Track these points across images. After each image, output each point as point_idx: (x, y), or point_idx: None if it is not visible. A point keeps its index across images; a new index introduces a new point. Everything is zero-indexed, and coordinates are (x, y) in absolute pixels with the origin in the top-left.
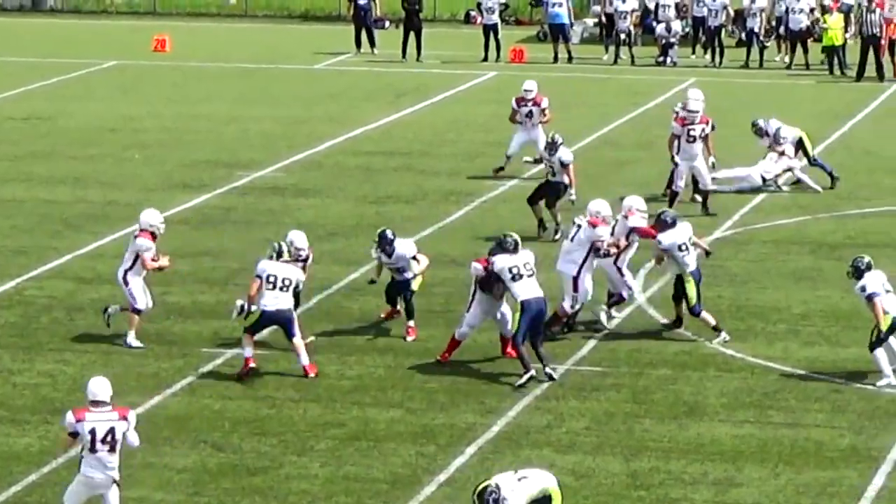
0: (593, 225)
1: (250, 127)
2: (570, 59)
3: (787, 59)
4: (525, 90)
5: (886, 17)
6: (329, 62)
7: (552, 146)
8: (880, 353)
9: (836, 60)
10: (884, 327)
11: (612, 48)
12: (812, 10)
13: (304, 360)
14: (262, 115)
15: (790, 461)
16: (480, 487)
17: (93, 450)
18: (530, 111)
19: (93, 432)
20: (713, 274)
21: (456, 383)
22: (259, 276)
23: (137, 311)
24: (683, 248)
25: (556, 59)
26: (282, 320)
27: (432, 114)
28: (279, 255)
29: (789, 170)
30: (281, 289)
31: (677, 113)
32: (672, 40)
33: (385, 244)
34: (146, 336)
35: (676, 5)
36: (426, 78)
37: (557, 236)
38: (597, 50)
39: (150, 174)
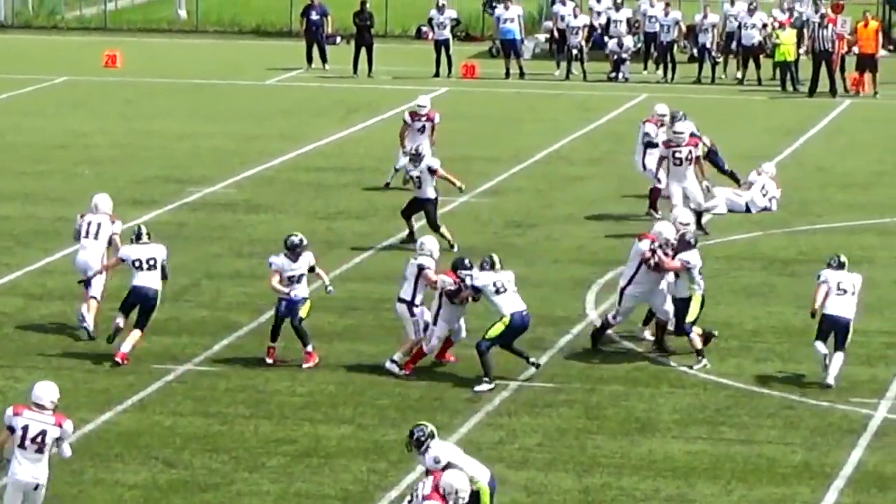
0: (639, 238)
1: (202, 143)
2: (521, 74)
3: (739, 75)
4: (419, 105)
5: (838, 32)
6: (280, 78)
7: (416, 157)
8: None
9: (788, 76)
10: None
11: (563, 64)
12: (765, 26)
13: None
14: (214, 130)
15: (743, 477)
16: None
17: (21, 445)
18: (423, 126)
19: (25, 429)
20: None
21: (407, 400)
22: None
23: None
24: (702, 269)
25: (507, 74)
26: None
27: (384, 130)
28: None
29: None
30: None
31: (648, 134)
32: (624, 56)
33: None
34: (97, 354)
35: (628, 21)
36: (378, 94)
37: (455, 249)
38: (548, 66)
39: (101, 190)
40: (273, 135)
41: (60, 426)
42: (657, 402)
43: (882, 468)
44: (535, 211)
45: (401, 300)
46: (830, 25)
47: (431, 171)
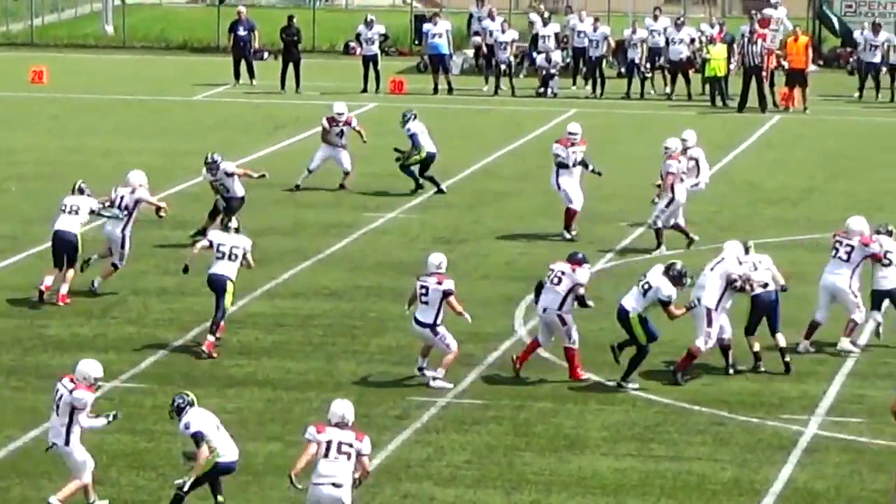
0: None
1: (129, 159)
2: (450, 90)
3: (667, 90)
4: (337, 113)
5: (768, 47)
6: (208, 94)
7: (213, 166)
8: None
9: (718, 91)
10: None
11: (492, 79)
12: (693, 41)
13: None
14: (141, 146)
15: (672, 494)
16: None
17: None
18: (341, 130)
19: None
20: (594, 307)
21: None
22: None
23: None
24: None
25: (436, 90)
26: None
27: (312, 145)
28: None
29: None
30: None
31: (557, 155)
32: (552, 71)
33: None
34: (24, 370)
35: (556, 36)
36: (305, 109)
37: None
38: (477, 81)
39: (29, 207)
40: (200, 151)
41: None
42: (586, 418)
43: (812, 485)
44: (464, 227)
45: (422, 324)
46: (760, 41)
47: (229, 175)
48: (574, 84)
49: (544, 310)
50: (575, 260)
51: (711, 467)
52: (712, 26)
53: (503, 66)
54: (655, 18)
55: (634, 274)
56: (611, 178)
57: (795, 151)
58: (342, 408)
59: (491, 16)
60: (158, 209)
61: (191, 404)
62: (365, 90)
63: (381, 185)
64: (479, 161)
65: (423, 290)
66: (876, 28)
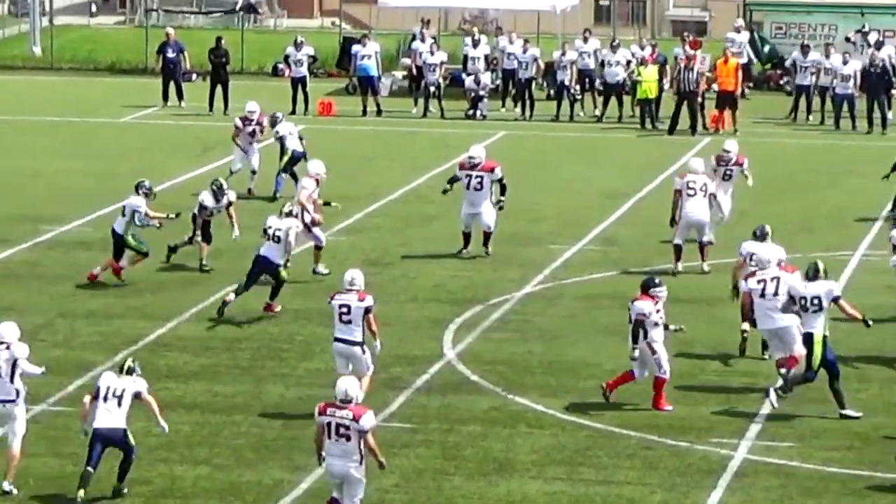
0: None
1: (57, 181)
2: (378, 112)
3: (597, 112)
4: (249, 111)
5: (700, 70)
6: (136, 115)
7: (219, 193)
8: None
9: (648, 113)
10: None
11: (421, 101)
12: (629, 63)
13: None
14: (69, 168)
15: None
16: None
17: None
18: (254, 130)
19: None
20: (523, 329)
21: (263, 440)
22: None
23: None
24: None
25: (364, 112)
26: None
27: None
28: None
29: None
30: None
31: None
32: (482, 93)
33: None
34: None
35: (486, 58)
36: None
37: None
38: (406, 103)
39: None
40: (129, 172)
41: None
42: (515, 442)
43: None
44: (392, 249)
45: (350, 342)
46: (696, 66)
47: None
48: (503, 106)
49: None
50: (643, 287)
51: (641, 491)
52: (642, 48)
53: (432, 88)
54: (585, 40)
55: (564, 296)
56: (540, 200)
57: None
58: (344, 384)
59: (421, 37)
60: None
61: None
62: (294, 112)
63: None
64: (408, 183)
65: (345, 309)
66: (805, 50)
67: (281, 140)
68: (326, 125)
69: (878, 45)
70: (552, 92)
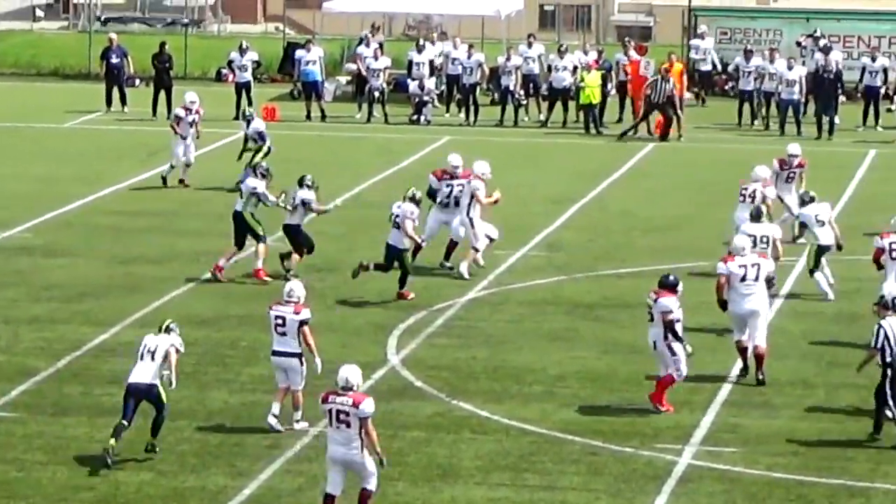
0: None
1: (3, 185)
2: (322, 117)
3: (542, 118)
4: (190, 101)
5: (641, 74)
6: (79, 120)
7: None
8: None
9: (592, 119)
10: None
11: (365, 106)
12: (576, 69)
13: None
14: (11, 173)
15: None
16: None
17: None
18: (193, 120)
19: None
20: (467, 335)
21: (207, 446)
22: None
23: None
24: None
25: (308, 117)
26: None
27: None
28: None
29: None
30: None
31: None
32: (426, 98)
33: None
34: None
35: (430, 63)
36: None
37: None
38: (350, 108)
39: None
40: (71, 178)
41: None
42: (459, 448)
43: None
44: (337, 255)
45: (286, 354)
46: (672, 78)
47: (305, 205)
48: (448, 111)
49: (654, 344)
50: (664, 286)
51: (585, 497)
52: (586, 53)
53: (376, 94)
54: (529, 45)
55: (508, 302)
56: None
57: (670, 179)
58: (345, 371)
59: (367, 42)
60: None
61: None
62: (237, 117)
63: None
64: (352, 189)
65: (280, 321)
66: (748, 55)
67: (260, 135)
68: (270, 130)
69: (828, 50)
70: (497, 97)
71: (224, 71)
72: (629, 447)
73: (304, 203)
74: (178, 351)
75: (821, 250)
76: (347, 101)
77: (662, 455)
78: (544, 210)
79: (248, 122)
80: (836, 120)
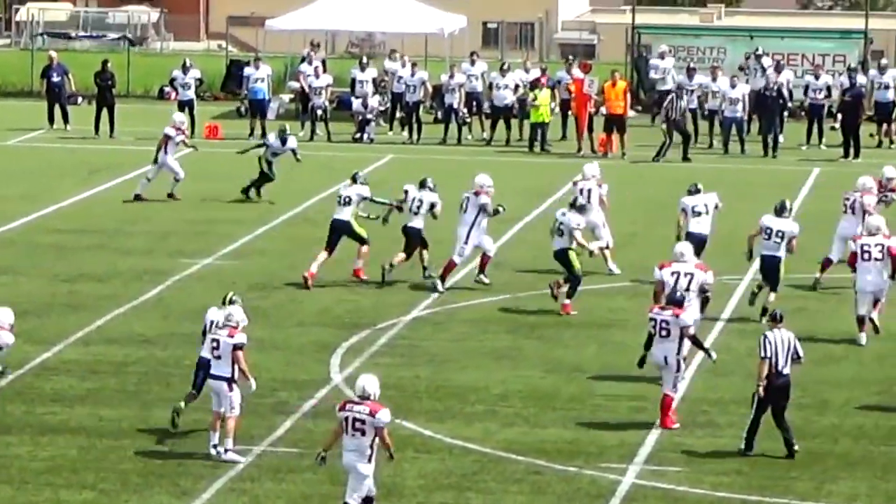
0: None
1: None
2: (263, 135)
3: (486, 136)
4: (180, 122)
5: (585, 92)
6: (21, 138)
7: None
8: None
9: (539, 137)
10: None
11: (308, 124)
12: (517, 87)
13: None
14: None
15: None
16: None
17: None
18: (183, 140)
19: None
20: (411, 354)
21: (150, 465)
22: None
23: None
24: None
25: (251, 134)
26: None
27: (126, 191)
28: None
29: None
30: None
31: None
32: (369, 116)
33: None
34: None
35: (374, 80)
36: (120, 155)
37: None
38: (293, 126)
39: None
40: (14, 196)
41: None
42: (402, 466)
43: None
44: (280, 273)
45: (218, 377)
46: (686, 95)
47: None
48: (391, 129)
49: (665, 359)
50: (675, 303)
51: None
52: (527, 71)
53: (319, 112)
54: (472, 63)
55: (452, 320)
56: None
57: (614, 197)
58: (363, 381)
59: (309, 60)
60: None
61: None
62: None
63: (197, 231)
64: (295, 207)
65: (215, 344)
66: (690, 73)
67: (293, 152)
68: (214, 148)
69: (778, 69)
70: (440, 115)
71: (167, 89)
72: (573, 466)
73: (432, 206)
74: (240, 347)
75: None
76: (290, 119)
77: (606, 474)
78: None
79: (284, 141)
80: (781, 138)
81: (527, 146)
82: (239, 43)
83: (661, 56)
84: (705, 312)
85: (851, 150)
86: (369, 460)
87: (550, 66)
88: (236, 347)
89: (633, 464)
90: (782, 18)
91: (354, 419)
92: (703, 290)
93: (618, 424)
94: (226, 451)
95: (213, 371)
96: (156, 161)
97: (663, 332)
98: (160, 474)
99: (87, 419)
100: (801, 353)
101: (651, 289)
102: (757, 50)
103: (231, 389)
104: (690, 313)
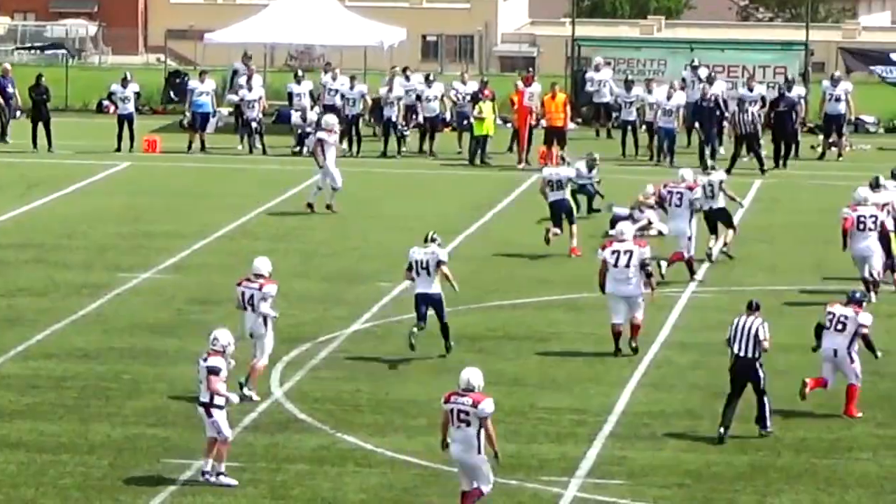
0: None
1: None
2: (203, 148)
3: (426, 148)
4: (332, 123)
5: (526, 104)
6: None
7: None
8: None
9: (481, 150)
10: None
11: (246, 138)
12: (442, 97)
13: None
14: None
15: None
16: None
17: None
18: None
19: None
20: (352, 367)
21: (89, 479)
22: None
23: None
24: None
25: (189, 147)
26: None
27: (65, 205)
28: None
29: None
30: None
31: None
32: (308, 129)
33: None
34: None
35: (311, 93)
36: (58, 169)
37: None
38: (233, 139)
39: None
40: None
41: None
42: (344, 481)
43: None
44: (220, 287)
45: (200, 404)
46: (750, 108)
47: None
48: None
49: (835, 352)
50: (856, 301)
51: None
52: (465, 83)
53: (254, 125)
54: (407, 78)
55: (392, 334)
56: (370, 238)
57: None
58: (467, 373)
59: (237, 73)
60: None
61: None
62: (119, 149)
63: (135, 245)
64: (235, 221)
65: (199, 369)
66: (628, 85)
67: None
68: (152, 162)
69: (710, 81)
70: (376, 130)
71: (105, 102)
72: (514, 480)
73: (721, 183)
74: (442, 263)
75: None
76: (229, 133)
77: (548, 488)
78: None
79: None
80: (721, 150)
81: (467, 159)
82: (178, 56)
83: (597, 68)
84: (650, 287)
85: (781, 160)
86: (479, 451)
87: (491, 80)
88: (209, 371)
89: (574, 477)
90: (723, 30)
91: (459, 411)
92: (643, 265)
93: (559, 437)
94: (219, 474)
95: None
96: (320, 167)
97: (839, 326)
98: (100, 489)
99: (26, 434)
100: (760, 337)
101: (585, 302)
102: (693, 61)
103: (210, 415)
104: (869, 317)
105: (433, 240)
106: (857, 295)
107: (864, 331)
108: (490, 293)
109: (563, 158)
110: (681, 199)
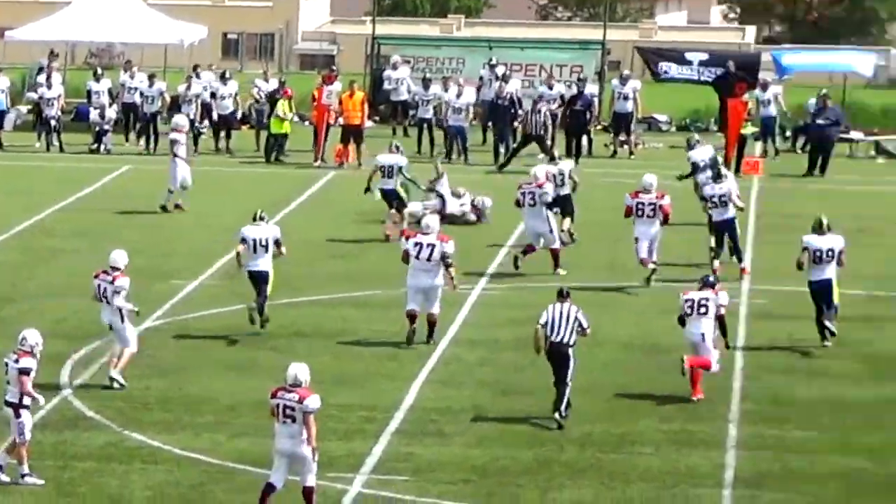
0: None
1: None
2: (0, 146)
3: (221, 146)
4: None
5: (324, 102)
6: None
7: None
8: None
9: (277, 147)
10: None
11: (44, 135)
12: (235, 96)
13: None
14: None
15: None
16: None
17: None
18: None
19: None
20: (142, 365)
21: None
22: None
23: None
24: None
25: None
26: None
27: None
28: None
29: None
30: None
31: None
32: (106, 127)
33: None
34: None
35: (109, 91)
36: None
37: None
38: (31, 137)
39: None
40: None
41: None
42: (130, 478)
43: None
44: (18, 284)
45: (6, 403)
46: (543, 109)
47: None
48: (127, 140)
49: (702, 336)
50: (710, 285)
51: None
52: (267, 80)
53: (53, 122)
54: (198, 76)
55: (184, 331)
56: (171, 236)
57: (351, 207)
58: (294, 369)
59: (48, 70)
60: None
61: None
62: None
63: None
64: (31, 217)
65: (5, 367)
66: (426, 83)
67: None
68: None
69: (506, 79)
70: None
71: None
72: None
73: (570, 171)
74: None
75: None
76: (28, 131)
77: (334, 484)
78: (223, 239)
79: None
80: (514, 146)
81: (263, 157)
82: None
83: (395, 66)
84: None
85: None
86: (308, 443)
87: (291, 77)
88: (21, 371)
89: (360, 473)
90: (522, 29)
91: (285, 406)
92: (443, 257)
93: (347, 434)
94: (22, 475)
95: (7, 398)
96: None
97: (701, 311)
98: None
99: None
100: (584, 325)
101: (378, 300)
102: (491, 60)
103: (18, 416)
104: (724, 295)
105: (262, 218)
106: (710, 279)
107: (723, 311)
108: (283, 290)
109: (397, 147)
110: (533, 197)
